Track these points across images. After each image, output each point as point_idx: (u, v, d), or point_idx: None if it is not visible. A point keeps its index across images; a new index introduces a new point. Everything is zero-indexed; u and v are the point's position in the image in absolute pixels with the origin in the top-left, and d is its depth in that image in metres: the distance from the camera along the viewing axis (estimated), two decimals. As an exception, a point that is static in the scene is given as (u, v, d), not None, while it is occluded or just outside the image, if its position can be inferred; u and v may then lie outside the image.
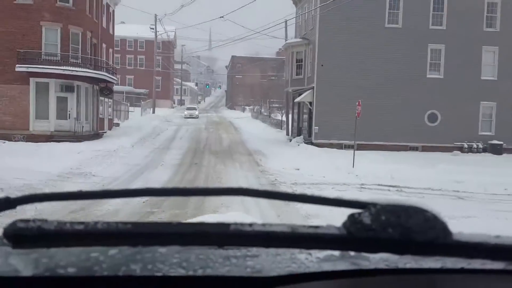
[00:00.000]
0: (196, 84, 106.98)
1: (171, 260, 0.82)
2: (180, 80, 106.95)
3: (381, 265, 0.84)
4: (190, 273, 0.78)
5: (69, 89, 25.75)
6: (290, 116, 33.84)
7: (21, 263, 0.79)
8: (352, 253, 0.87)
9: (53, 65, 24.89)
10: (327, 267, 0.83)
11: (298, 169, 19.17)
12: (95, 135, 27.96)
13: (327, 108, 26.58)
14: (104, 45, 32.64)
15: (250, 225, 0.72)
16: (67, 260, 0.81)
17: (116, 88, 71.61)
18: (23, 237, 0.69)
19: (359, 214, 0.73)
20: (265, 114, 47.06)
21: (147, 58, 72.52)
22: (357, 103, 19.57)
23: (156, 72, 76.03)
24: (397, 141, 26.79)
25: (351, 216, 0.73)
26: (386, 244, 0.71)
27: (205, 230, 0.71)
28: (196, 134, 34.15)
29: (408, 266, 0.84)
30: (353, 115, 26.00)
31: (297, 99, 28.28)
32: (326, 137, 26.79)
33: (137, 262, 0.81)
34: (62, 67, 24.86)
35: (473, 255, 0.76)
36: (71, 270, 0.77)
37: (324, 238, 0.72)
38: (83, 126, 25.79)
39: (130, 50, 74.05)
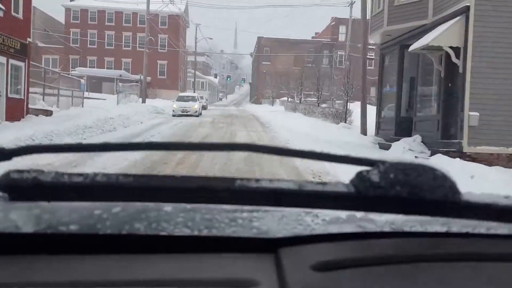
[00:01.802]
0: (216, 76, 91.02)
1: (176, 220, 0.81)
2: (199, 73, 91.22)
3: (387, 228, 0.84)
4: (195, 233, 0.78)
5: None
6: (364, 100, 17.17)
7: (21, 218, 0.78)
8: (358, 215, 0.87)
9: None
10: (333, 229, 0.83)
11: None
12: None
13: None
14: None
15: (257, 180, 0.74)
16: (69, 216, 0.79)
17: (104, 72, 55.53)
18: (18, 188, 0.71)
19: (367, 171, 0.72)
20: (310, 104, 30.50)
21: (151, 38, 56.81)
22: None
23: (160, 54, 60.35)
24: None
25: (359, 174, 0.73)
26: (394, 202, 0.72)
27: (210, 185, 0.73)
28: (186, 131, 18.01)
29: (413, 229, 0.84)
30: None
31: (416, 46, 11.54)
32: (498, 139, 10.22)
33: (141, 221, 0.79)
34: None
35: (481, 216, 0.78)
36: (73, 227, 0.76)
37: (331, 195, 0.74)
38: None
39: (127, 27, 58.24)
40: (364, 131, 16.99)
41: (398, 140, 12.88)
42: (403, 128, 13.56)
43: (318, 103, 25.83)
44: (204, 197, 0.74)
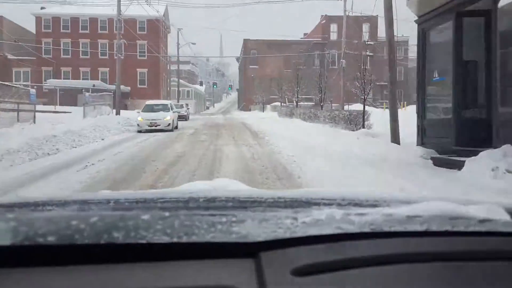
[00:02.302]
0: (201, 84, 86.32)
1: (155, 227, 0.80)
2: (183, 82, 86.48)
3: (367, 229, 0.84)
4: (175, 239, 0.77)
5: None
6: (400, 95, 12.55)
7: None
8: (337, 217, 0.88)
9: None
10: (313, 231, 0.82)
11: None
12: None
13: None
14: None
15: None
16: (46, 228, 0.80)
17: (77, 83, 50.21)
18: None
19: None
20: (309, 107, 25.93)
21: (128, 45, 52.00)
22: None
23: (140, 62, 55.51)
24: None
25: None
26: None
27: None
28: (154, 149, 13.40)
29: (393, 229, 0.84)
30: None
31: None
32: None
33: (119, 230, 0.78)
34: None
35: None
36: (50, 238, 0.75)
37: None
38: None
39: (103, 34, 53.41)
40: (396, 140, 12.45)
41: (466, 152, 8.37)
42: (471, 133, 9.05)
43: (322, 106, 21.21)
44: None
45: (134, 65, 52.84)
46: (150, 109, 22.51)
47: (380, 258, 0.75)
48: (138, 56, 53.23)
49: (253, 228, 0.84)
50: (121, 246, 0.74)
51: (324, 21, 59.37)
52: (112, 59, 53.77)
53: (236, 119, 35.11)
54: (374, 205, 1.12)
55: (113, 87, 51.27)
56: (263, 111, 45.35)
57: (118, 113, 32.39)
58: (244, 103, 60.44)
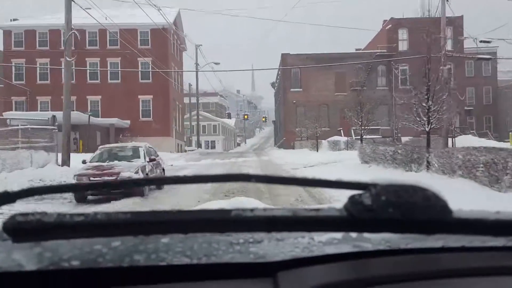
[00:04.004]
0: (229, 116, 71.93)
1: (175, 249, 0.83)
2: (208, 115, 72.63)
3: (383, 247, 0.85)
4: (194, 261, 0.79)
5: None
6: None
7: (24, 257, 0.79)
8: (354, 235, 0.88)
9: None
10: (330, 250, 0.84)
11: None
12: None
13: None
14: None
15: (252, 210, 0.74)
16: (70, 253, 0.81)
17: (40, 115, 34.58)
18: (23, 230, 0.72)
19: (360, 195, 0.73)
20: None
21: (128, 63, 38.22)
22: None
23: (142, 87, 41.49)
24: None
25: (352, 198, 0.73)
26: (387, 224, 0.71)
27: (207, 217, 0.75)
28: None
29: (409, 246, 0.85)
30: None
31: None
32: None
33: (140, 253, 0.81)
34: None
35: (473, 232, 0.77)
36: (75, 263, 0.77)
37: (325, 220, 0.74)
38: None
39: (93, 50, 39.60)
40: None
41: None
42: None
43: None
44: (201, 228, 0.74)
45: (134, 90, 38.91)
46: None
47: (397, 276, 0.74)
48: (140, 78, 39.39)
49: (270, 248, 0.84)
50: (142, 268, 0.76)
51: (389, 26, 44.30)
52: (106, 83, 40.11)
53: (278, 166, 19.90)
54: None
55: (108, 120, 37.56)
56: (317, 150, 29.99)
57: (66, 162, 17.88)
58: (285, 138, 45.22)
